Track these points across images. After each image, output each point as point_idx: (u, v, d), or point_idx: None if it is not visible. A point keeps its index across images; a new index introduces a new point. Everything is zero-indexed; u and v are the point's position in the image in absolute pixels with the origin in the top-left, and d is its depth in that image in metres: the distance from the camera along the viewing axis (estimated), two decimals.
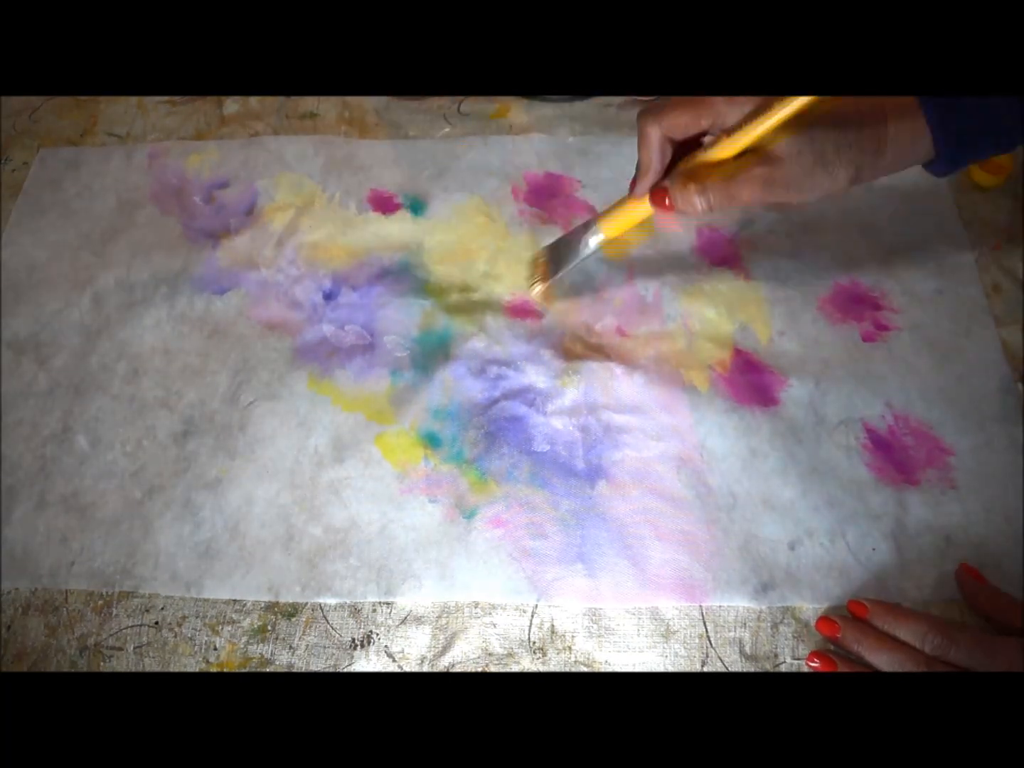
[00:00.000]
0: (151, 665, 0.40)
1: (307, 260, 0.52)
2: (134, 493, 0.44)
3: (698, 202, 0.38)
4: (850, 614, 0.40)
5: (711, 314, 0.50)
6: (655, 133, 0.39)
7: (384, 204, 0.55)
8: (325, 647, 0.40)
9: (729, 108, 0.37)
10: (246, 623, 0.41)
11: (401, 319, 0.49)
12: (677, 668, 0.39)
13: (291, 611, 0.41)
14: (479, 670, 0.39)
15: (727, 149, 0.37)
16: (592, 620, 0.41)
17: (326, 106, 0.60)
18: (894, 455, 0.45)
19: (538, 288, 0.48)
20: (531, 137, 0.58)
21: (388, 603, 0.41)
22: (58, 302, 0.50)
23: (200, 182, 0.56)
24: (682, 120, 0.38)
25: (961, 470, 0.44)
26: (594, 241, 0.45)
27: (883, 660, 0.38)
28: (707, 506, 0.43)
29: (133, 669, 0.39)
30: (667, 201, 0.39)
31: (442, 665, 0.40)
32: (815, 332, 0.49)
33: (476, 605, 0.41)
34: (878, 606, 0.39)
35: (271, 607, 0.41)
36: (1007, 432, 0.45)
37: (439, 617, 0.41)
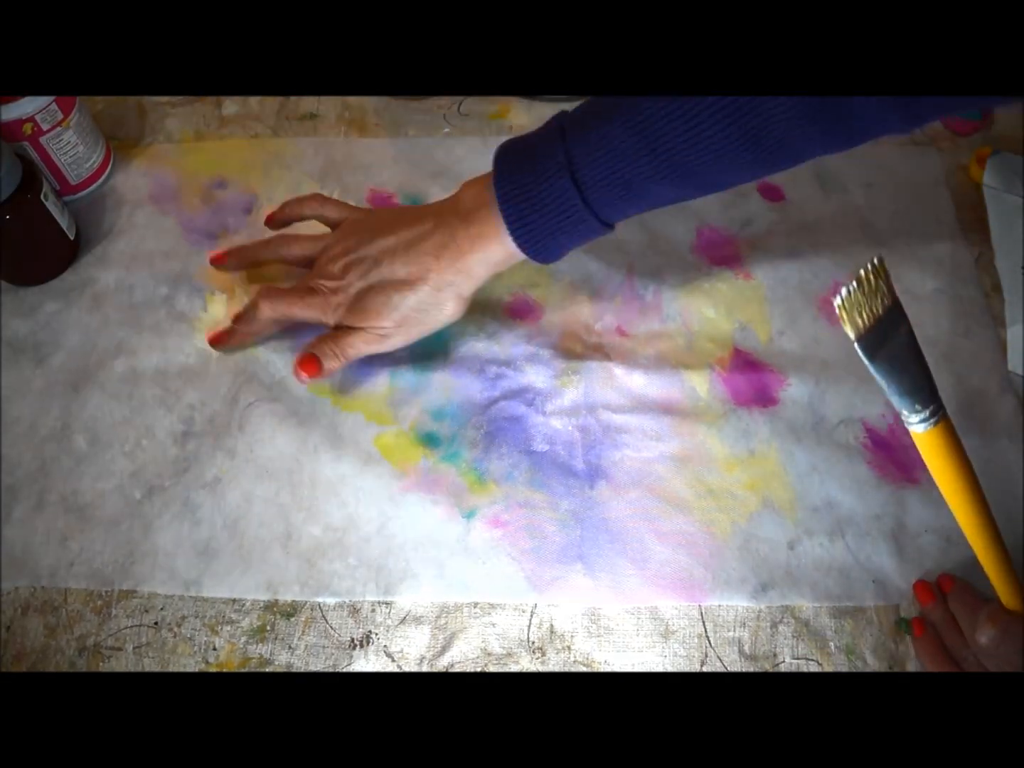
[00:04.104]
0: (150, 665, 0.40)
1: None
2: (133, 493, 0.44)
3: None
4: (938, 586, 0.41)
5: (711, 313, 0.50)
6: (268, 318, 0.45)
7: (383, 204, 0.55)
8: (324, 647, 0.40)
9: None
10: (245, 623, 0.41)
11: None
12: (676, 668, 0.39)
13: (290, 611, 0.41)
14: (478, 670, 0.39)
15: None
16: (591, 620, 0.41)
17: (326, 106, 0.60)
18: (894, 454, 0.45)
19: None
20: None
21: (387, 603, 0.41)
22: (58, 302, 0.50)
23: (199, 182, 0.55)
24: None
25: None
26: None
27: (949, 645, 0.38)
28: (707, 506, 0.43)
29: (132, 669, 0.39)
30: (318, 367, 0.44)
31: (441, 665, 0.40)
32: (815, 332, 0.49)
33: (475, 605, 0.41)
34: (957, 590, 0.39)
35: (270, 607, 0.41)
36: (1007, 432, 0.45)
37: (438, 617, 0.41)
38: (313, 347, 0.44)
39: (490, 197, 0.40)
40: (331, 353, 0.43)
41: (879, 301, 0.31)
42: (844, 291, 0.30)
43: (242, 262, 0.48)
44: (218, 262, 0.48)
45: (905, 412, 0.33)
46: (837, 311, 0.30)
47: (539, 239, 0.40)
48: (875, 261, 0.31)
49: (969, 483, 0.34)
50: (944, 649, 0.38)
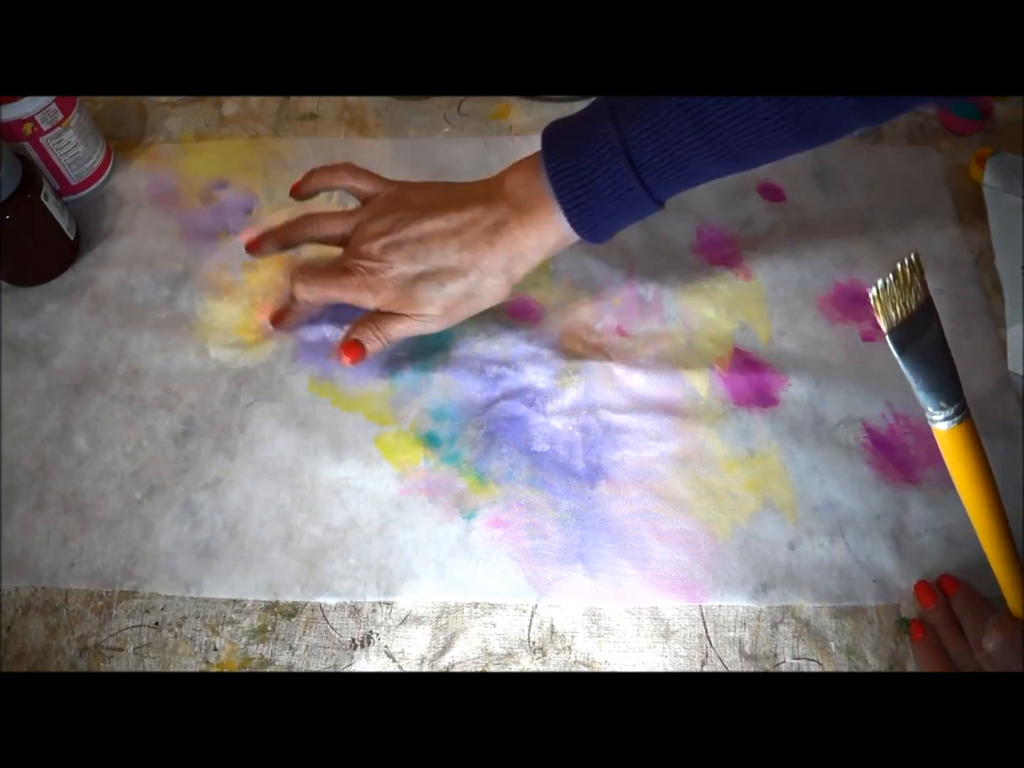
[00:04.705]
0: (151, 666, 0.40)
1: (307, 260, 0.52)
2: (134, 493, 0.44)
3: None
4: (940, 588, 0.41)
5: (711, 314, 0.50)
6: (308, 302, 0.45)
7: None
8: (325, 647, 0.40)
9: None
10: (246, 623, 0.41)
11: None
12: (677, 668, 0.39)
13: (291, 611, 0.41)
14: (479, 670, 0.39)
15: None
16: (592, 620, 0.41)
17: (326, 106, 0.60)
18: (894, 454, 0.45)
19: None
20: (531, 137, 0.58)
21: (388, 603, 0.41)
22: (58, 302, 0.50)
23: (199, 182, 0.55)
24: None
25: None
26: None
27: (949, 649, 0.38)
28: (707, 506, 0.43)
29: (133, 669, 0.39)
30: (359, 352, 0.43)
31: (442, 665, 0.40)
32: (815, 332, 0.49)
33: (476, 605, 0.41)
34: (962, 593, 0.40)
35: (271, 607, 0.41)
36: (1007, 432, 0.45)
37: (439, 617, 0.41)
38: (355, 332, 0.43)
39: (542, 183, 0.40)
40: (373, 337, 0.43)
41: (913, 296, 0.31)
42: (880, 283, 0.30)
43: (275, 245, 0.47)
44: (253, 248, 0.47)
45: (930, 409, 0.33)
46: (871, 302, 0.30)
47: (596, 222, 0.40)
48: (912, 257, 0.31)
49: (987, 485, 0.34)
50: (943, 652, 0.38)
